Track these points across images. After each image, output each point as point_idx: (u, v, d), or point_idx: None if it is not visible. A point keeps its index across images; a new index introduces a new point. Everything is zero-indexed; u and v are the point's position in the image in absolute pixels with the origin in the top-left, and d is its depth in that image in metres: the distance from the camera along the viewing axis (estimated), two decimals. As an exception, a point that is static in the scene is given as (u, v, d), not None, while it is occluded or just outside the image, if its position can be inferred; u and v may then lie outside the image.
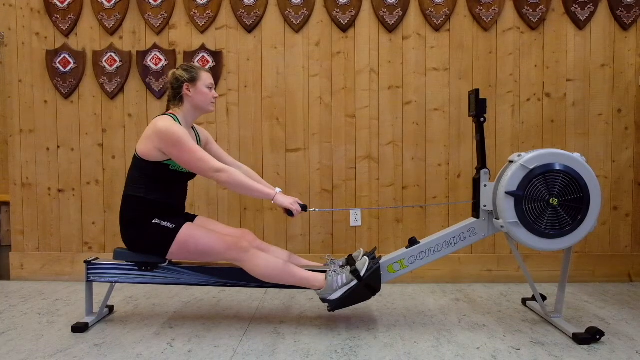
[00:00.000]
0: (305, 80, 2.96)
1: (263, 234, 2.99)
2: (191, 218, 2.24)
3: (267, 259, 2.07)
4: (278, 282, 2.08)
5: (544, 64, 2.91)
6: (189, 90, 2.11)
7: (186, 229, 2.04)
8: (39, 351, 1.91)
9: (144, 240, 2.07)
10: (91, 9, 2.99)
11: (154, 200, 2.06)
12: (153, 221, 2.04)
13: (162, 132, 1.98)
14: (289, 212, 2.11)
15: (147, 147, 2.02)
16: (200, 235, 2.04)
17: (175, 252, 2.04)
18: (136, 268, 2.16)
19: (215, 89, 2.22)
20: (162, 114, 2.11)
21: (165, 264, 2.15)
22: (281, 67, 2.97)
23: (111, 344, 1.98)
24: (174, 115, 2.10)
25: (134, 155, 2.09)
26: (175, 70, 2.16)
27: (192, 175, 2.19)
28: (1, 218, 3.12)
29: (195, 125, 2.28)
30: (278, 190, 2.11)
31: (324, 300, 2.08)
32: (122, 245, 2.18)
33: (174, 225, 2.04)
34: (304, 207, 2.12)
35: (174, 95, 2.14)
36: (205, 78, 2.14)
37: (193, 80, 2.11)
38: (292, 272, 2.07)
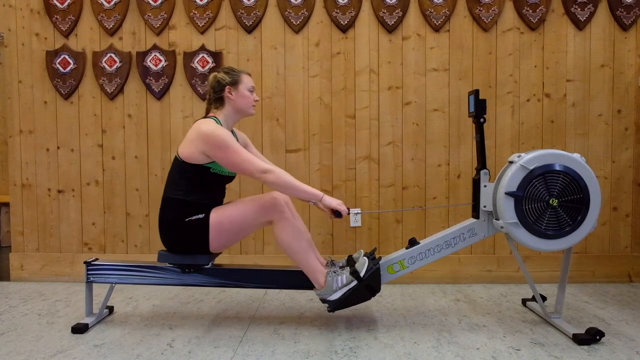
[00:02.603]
0: (305, 81, 2.96)
1: (263, 233, 2.99)
2: None
3: (298, 232, 2.05)
4: (292, 256, 2.06)
5: (544, 65, 2.91)
6: (231, 94, 2.12)
7: (215, 212, 2.05)
8: (39, 352, 1.91)
9: (183, 240, 2.07)
10: (91, 9, 2.99)
11: (193, 202, 2.06)
12: (186, 220, 2.05)
13: (206, 135, 1.99)
14: (336, 214, 2.09)
15: (190, 150, 2.03)
16: (231, 210, 2.05)
17: (214, 238, 2.04)
18: (136, 268, 2.17)
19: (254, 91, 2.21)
20: (204, 117, 2.12)
21: (209, 265, 2.15)
22: (281, 68, 2.97)
23: (111, 345, 1.98)
24: (215, 117, 2.11)
25: (175, 157, 2.10)
26: (216, 73, 2.16)
27: (231, 178, 2.19)
28: (1, 219, 3.12)
29: (233, 128, 2.28)
30: None
31: (323, 300, 2.08)
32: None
33: (203, 214, 2.04)
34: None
35: (215, 98, 2.14)
36: (247, 81, 2.15)
37: (235, 83, 2.12)
38: (308, 256, 2.07)
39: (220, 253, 2.27)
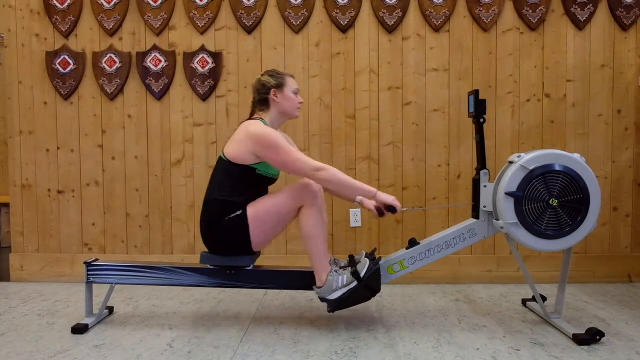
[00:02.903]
0: (305, 81, 2.96)
1: (263, 234, 2.99)
2: None
3: (322, 223, 2.06)
4: (309, 244, 2.06)
5: (544, 65, 2.91)
6: (276, 96, 2.13)
7: (250, 206, 2.05)
8: (39, 352, 1.91)
9: (227, 240, 2.07)
10: (91, 10, 2.99)
11: (236, 202, 2.06)
12: (225, 218, 2.05)
13: (256, 135, 2.00)
14: (390, 209, 2.09)
15: (239, 150, 2.04)
16: (265, 201, 2.06)
17: (254, 233, 2.04)
18: (136, 268, 2.17)
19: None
20: (251, 119, 2.14)
21: (250, 267, 2.15)
22: (281, 68, 2.96)
23: (111, 345, 1.98)
24: (261, 119, 2.12)
25: (220, 158, 2.11)
26: (260, 76, 2.18)
27: (273, 180, 2.19)
28: (1, 219, 3.12)
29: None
30: None
31: (322, 299, 2.08)
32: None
33: (240, 210, 2.04)
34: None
35: (260, 100, 2.16)
36: (291, 83, 2.17)
37: (280, 85, 2.14)
38: (322, 250, 2.07)
39: (260, 254, 2.26)
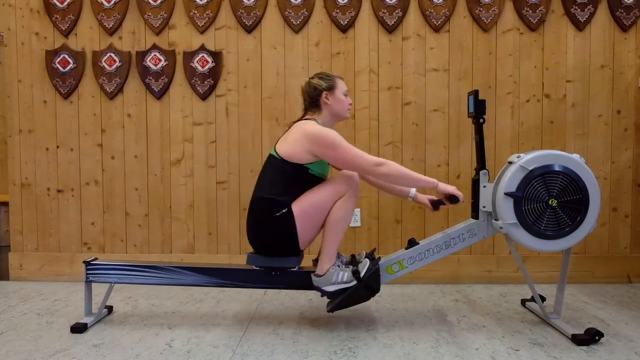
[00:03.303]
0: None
1: (262, 234, 2.99)
2: None
3: (350, 216, 2.07)
4: (331, 231, 2.05)
5: (544, 65, 2.91)
6: (328, 99, 2.14)
7: (295, 204, 2.04)
8: (38, 351, 1.91)
9: (274, 239, 2.07)
10: (91, 9, 2.98)
11: (282, 201, 2.04)
12: (272, 216, 2.04)
13: (314, 135, 2.01)
14: (452, 199, 2.10)
15: (295, 150, 2.04)
16: (309, 196, 2.05)
17: (302, 229, 2.03)
18: (135, 268, 2.17)
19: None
20: (305, 119, 2.14)
21: (295, 268, 2.14)
22: (281, 68, 2.97)
23: (110, 345, 1.98)
24: (315, 119, 2.13)
25: (272, 156, 2.11)
26: (310, 79, 2.18)
27: (323, 180, 2.17)
28: (0, 218, 3.12)
29: None
30: None
31: (317, 288, 2.08)
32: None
33: (286, 207, 2.03)
34: None
35: (311, 103, 2.17)
36: (341, 85, 2.18)
37: (331, 88, 2.14)
38: (338, 241, 2.07)
39: (303, 255, 2.24)
